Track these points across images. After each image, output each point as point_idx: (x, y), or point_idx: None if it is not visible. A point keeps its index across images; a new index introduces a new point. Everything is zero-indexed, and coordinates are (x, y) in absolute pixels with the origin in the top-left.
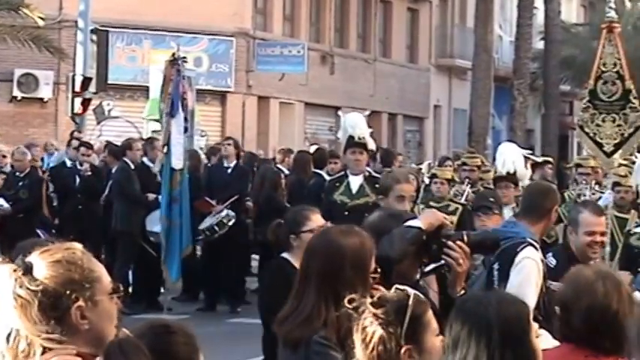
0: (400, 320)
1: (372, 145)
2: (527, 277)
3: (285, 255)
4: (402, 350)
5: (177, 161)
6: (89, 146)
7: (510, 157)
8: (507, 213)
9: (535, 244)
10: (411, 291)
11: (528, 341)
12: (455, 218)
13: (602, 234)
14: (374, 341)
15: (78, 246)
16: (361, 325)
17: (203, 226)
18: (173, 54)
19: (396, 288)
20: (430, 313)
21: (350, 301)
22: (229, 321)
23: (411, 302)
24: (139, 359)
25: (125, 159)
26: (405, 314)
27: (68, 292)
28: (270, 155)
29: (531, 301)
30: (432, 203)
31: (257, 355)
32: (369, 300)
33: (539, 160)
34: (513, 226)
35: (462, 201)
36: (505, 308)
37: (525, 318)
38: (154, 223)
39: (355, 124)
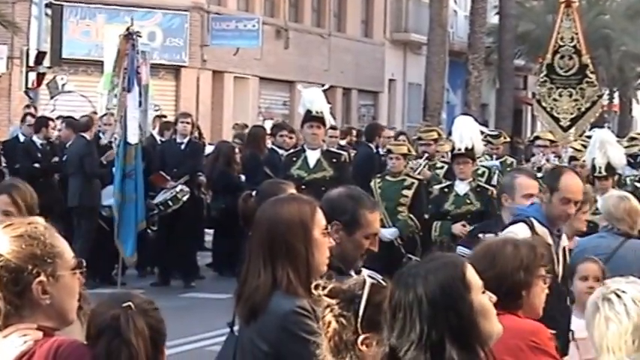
0: (355, 309)
1: (330, 120)
2: None
3: None
4: (360, 339)
5: (133, 136)
6: (54, 120)
7: (468, 133)
8: (464, 188)
9: (533, 221)
10: (369, 278)
11: (465, 305)
12: (411, 192)
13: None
14: (329, 333)
15: (41, 221)
16: (320, 314)
17: (157, 200)
18: (128, 28)
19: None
20: None
21: (315, 287)
22: (183, 296)
23: (366, 290)
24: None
25: (83, 134)
26: (359, 303)
27: (30, 267)
28: (224, 131)
29: None
30: (388, 178)
31: (211, 329)
32: (322, 291)
33: (493, 133)
34: (530, 206)
35: (416, 175)
36: (433, 278)
37: (457, 281)
38: (107, 196)
39: (313, 99)
